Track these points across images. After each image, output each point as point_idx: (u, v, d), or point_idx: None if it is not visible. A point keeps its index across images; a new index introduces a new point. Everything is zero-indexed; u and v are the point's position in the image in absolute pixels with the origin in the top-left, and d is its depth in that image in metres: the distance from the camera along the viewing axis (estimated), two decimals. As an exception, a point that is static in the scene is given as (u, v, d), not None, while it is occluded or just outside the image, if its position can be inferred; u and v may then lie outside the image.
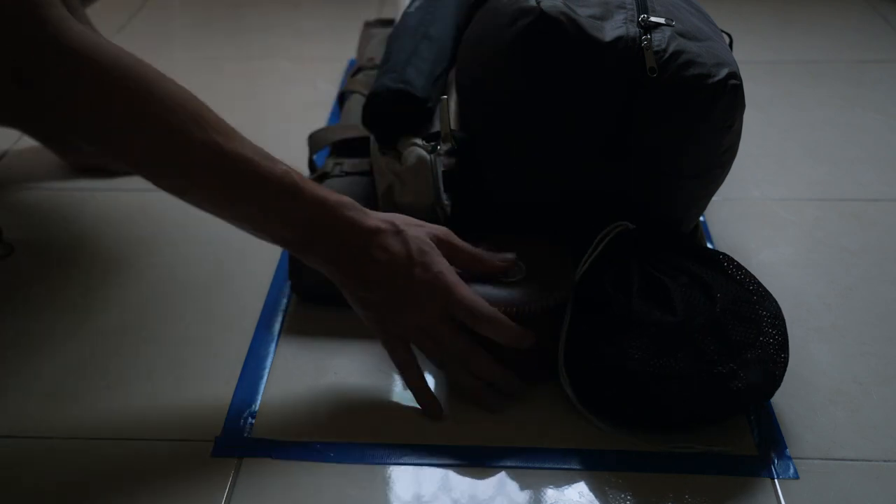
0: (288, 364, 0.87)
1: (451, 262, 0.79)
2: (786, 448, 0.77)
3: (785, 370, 0.78)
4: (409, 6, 1.07)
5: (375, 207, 0.94)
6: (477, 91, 0.88)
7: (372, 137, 0.95)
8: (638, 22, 0.82)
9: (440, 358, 0.80)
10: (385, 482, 0.75)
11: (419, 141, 0.90)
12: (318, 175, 1.04)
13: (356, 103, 1.13)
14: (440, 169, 0.88)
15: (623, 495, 0.73)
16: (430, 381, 0.83)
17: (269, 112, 1.37)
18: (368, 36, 1.35)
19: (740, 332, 0.77)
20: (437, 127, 0.91)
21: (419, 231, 0.79)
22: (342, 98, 1.20)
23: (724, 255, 0.84)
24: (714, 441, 0.77)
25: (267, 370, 0.86)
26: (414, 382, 0.80)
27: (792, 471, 0.75)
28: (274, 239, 0.79)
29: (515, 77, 0.83)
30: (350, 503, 0.73)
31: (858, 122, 1.32)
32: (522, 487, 0.74)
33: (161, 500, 0.73)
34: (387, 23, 1.39)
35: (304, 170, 1.11)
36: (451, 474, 0.75)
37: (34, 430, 0.79)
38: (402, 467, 0.76)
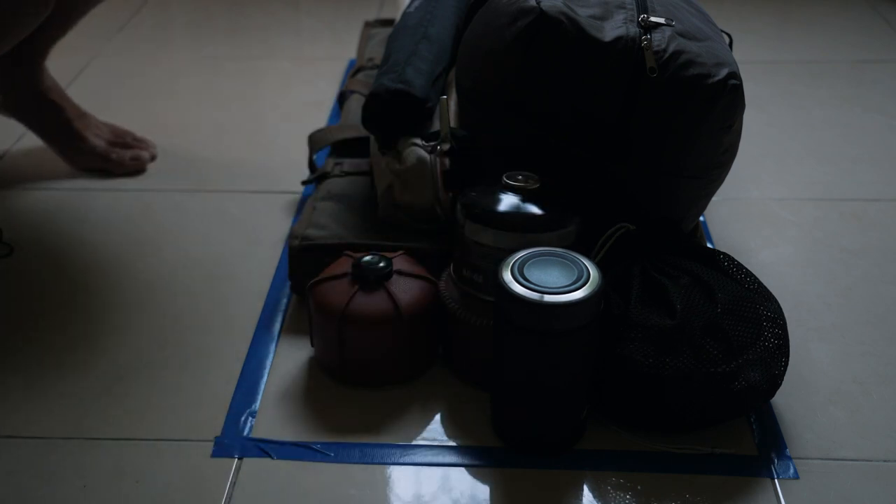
0: (288, 364, 0.87)
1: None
2: (786, 448, 0.77)
3: (785, 370, 0.78)
4: (408, 6, 1.07)
5: (375, 207, 0.94)
6: (477, 91, 0.88)
7: (372, 137, 0.95)
8: (638, 22, 0.81)
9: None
10: (385, 482, 0.75)
11: (419, 141, 0.90)
12: (318, 175, 1.04)
13: (356, 103, 1.13)
14: (440, 169, 0.88)
15: (623, 495, 0.73)
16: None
17: (269, 112, 1.37)
18: (368, 36, 1.35)
19: (741, 332, 0.76)
20: (436, 127, 0.91)
21: None
22: (342, 98, 1.20)
23: (724, 254, 0.84)
24: (714, 441, 0.77)
25: (267, 370, 0.86)
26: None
27: (792, 471, 0.75)
28: None
29: (515, 77, 0.83)
30: (350, 503, 0.73)
31: (858, 122, 1.32)
32: (522, 487, 0.74)
33: (161, 500, 0.73)
34: (387, 23, 1.39)
35: (304, 170, 1.11)
36: (452, 474, 0.75)
37: (34, 430, 0.80)
38: (402, 467, 0.76)
